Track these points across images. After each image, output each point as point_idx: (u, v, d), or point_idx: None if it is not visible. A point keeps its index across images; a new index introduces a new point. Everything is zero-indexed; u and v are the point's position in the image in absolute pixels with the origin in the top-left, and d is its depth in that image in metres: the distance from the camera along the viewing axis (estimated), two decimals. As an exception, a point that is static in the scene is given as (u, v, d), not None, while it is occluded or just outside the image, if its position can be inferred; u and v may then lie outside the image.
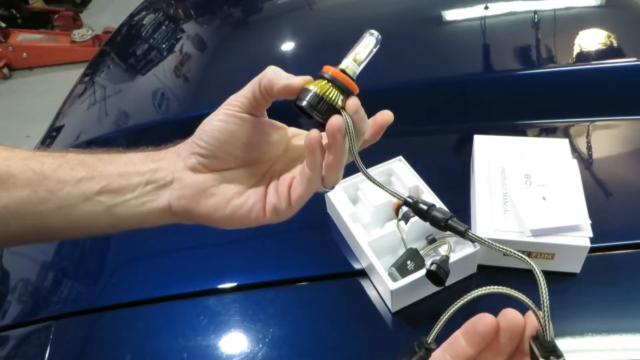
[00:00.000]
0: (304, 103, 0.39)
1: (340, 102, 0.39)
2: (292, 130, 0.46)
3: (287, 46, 1.11)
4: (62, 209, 0.39)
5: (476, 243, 0.60)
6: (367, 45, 0.42)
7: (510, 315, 0.37)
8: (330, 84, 0.40)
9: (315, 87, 0.39)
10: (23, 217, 0.39)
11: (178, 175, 0.41)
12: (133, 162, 0.41)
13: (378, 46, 0.42)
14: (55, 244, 0.80)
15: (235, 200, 0.41)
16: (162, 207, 0.41)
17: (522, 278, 0.62)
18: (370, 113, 0.44)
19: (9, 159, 0.38)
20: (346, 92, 0.40)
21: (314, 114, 0.39)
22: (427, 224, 0.43)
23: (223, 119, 0.40)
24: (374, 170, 0.72)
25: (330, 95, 0.39)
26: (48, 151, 0.41)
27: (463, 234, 0.41)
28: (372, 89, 0.92)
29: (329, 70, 0.40)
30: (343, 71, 0.40)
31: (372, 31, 0.42)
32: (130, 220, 0.41)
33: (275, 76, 0.40)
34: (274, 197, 0.42)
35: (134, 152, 0.43)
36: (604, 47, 0.90)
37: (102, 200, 0.39)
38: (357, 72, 0.41)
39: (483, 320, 0.37)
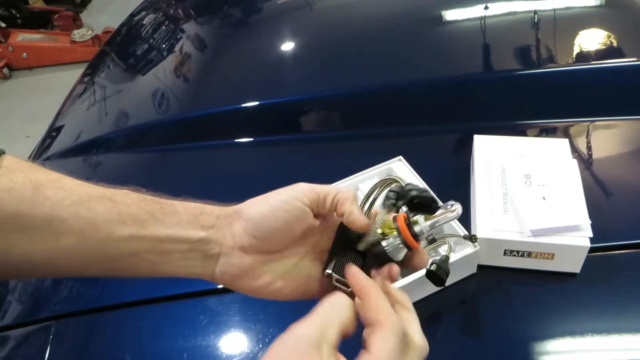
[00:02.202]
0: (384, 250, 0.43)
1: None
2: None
3: (287, 46, 1.11)
4: (109, 260, 0.39)
5: (476, 243, 0.61)
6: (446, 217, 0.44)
7: None
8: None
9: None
10: (71, 262, 0.39)
11: (226, 251, 0.42)
12: (183, 225, 0.41)
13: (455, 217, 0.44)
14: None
15: (275, 284, 0.43)
16: (205, 274, 0.42)
17: (522, 278, 0.63)
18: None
19: (61, 202, 0.38)
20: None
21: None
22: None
23: (287, 209, 0.41)
24: (374, 170, 0.72)
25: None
26: (97, 189, 0.40)
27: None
28: (373, 89, 0.92)
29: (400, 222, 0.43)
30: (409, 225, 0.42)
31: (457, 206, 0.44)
32: (170, 275, 0.42)
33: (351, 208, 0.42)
34: (314, 289, 0.45)
35: (183, 203, 0.43)
36: (604, 47, 0.90)
37: (148, 258, 0.40)
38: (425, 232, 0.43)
39: None
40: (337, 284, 0.43)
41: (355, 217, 0.41)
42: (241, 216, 0.42)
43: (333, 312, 0.38)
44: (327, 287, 0.44)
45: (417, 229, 0.42)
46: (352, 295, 0.41)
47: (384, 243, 0.43)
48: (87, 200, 0.38)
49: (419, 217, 0.43)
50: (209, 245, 0.41)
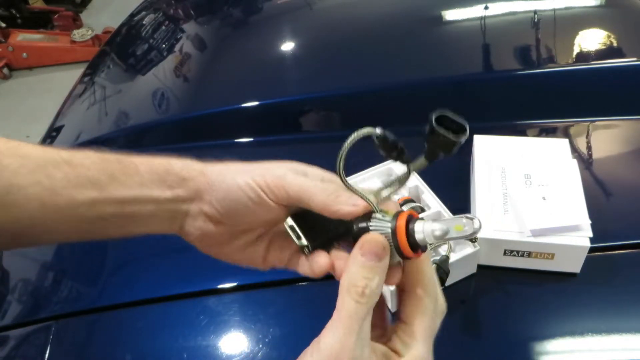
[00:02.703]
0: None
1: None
2: None
3: (287, 46, 1.10)
4: (77, 224, 0.39)
5: (476, 243, 0.61)
6: (460, 229, 0.33)
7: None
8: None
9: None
10: (39, 229, 0.38)
11: (193, 212, 0.41)
12: (146, 185, 0.40)
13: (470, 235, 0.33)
14: (55, 243, 0.79)
15: (236, 255, 0.42)
16: (172, 230, 0.42)
17: (522, 278, 0.63)
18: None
19: (18, 170, 0.37)
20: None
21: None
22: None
23: (251, 198, 0.38)
24: (374, 170, 0.72)
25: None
26: (55, 152, 0.39)
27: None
28: (373, 89, 0.92)
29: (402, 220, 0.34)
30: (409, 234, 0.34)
31: (474, 221, 0.33)
32: (143, 233, 0.41)
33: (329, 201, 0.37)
34: (276, 258, 0.42)
35: (148, 160, 0.41)
36: (604, 47, 0.90)
37: (116, 221, 0.39)
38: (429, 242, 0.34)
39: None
40: (289, 231, 0.40)
41: (349, 211, 0.36)
42: (209, 185, 0.40)
43: (356, 323, 0.32)
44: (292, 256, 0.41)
45: (418, 237, 0.33)
46: (304, 248, 0.39)
47: (372, 224, 0.35)
48: (45, 166, 0.38)
49: (427, 223, 0.34)
50: (176, 205, 0.40)
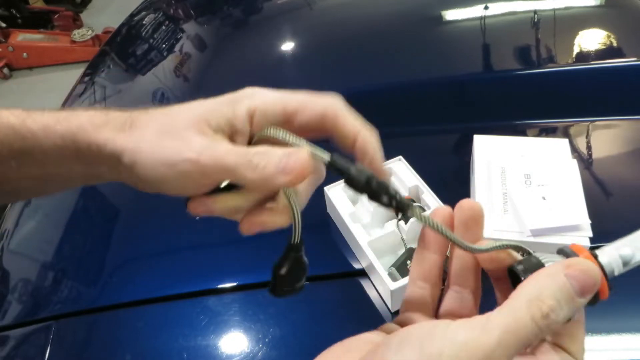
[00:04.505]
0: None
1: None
2: None
3: (287, 46, 1.11)
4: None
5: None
6: None
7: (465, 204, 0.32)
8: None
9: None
10: None
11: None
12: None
13: None
14: (55, 243, 0.79)
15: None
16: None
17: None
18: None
19: None
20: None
21: None
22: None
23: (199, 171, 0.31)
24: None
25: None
26: None
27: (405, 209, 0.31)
28: (373, 89, 0.92)
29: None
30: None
31: None
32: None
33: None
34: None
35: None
36: (604, 47, 0.90)
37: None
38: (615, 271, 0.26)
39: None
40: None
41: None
42: (122, 158, 0.31)
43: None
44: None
45: (608, 270, 0.27)
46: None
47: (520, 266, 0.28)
48: None
49: (609, 251, 0.27)
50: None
